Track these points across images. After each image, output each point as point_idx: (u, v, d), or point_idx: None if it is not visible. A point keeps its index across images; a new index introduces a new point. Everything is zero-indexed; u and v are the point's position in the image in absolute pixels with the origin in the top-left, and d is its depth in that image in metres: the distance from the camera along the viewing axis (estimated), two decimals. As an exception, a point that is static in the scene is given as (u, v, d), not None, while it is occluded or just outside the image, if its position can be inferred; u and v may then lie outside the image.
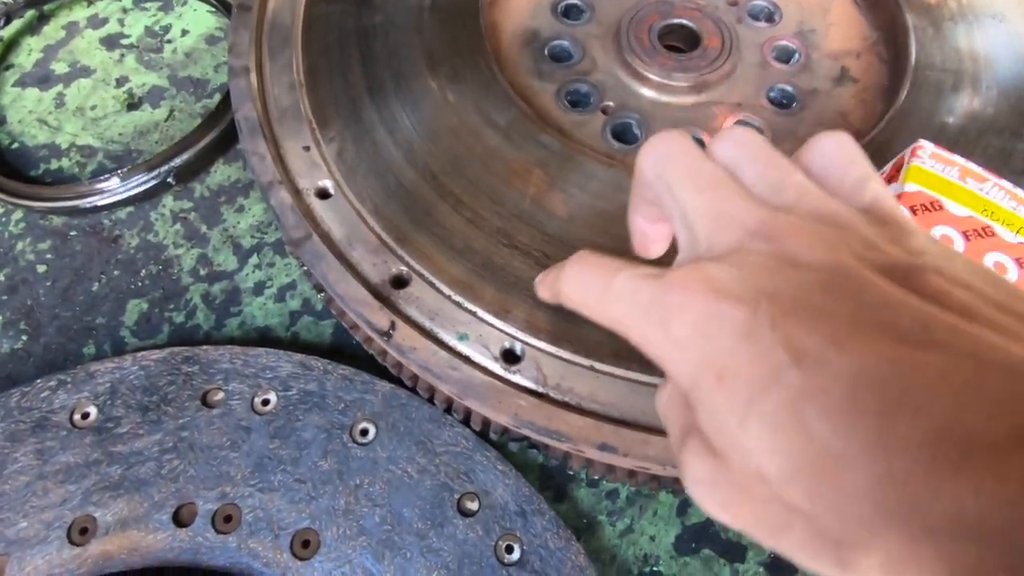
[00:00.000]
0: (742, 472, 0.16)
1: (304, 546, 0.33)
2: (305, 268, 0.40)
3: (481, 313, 0.33)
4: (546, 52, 0.46)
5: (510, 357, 0.32)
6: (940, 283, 0.16)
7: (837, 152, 0.20)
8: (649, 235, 0.24)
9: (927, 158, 0.32)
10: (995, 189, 0.31)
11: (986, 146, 0.37)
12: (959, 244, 0.29)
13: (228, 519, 0.34)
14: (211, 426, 0.36)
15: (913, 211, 0.30)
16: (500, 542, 0.33)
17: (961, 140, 0.38)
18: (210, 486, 0.35)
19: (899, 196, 0.31)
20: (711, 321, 0.17)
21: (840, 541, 0.15)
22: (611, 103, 0.45)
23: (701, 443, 0.17)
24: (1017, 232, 0.30)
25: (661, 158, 0.20)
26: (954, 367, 0.14)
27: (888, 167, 0.35)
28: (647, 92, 0.44)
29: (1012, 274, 0.29)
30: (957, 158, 0.32)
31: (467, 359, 0.31)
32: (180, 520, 0.34)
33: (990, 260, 0.29)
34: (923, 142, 0.32)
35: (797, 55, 0.46)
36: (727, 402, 0.16)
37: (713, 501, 0.17)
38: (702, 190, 0.19)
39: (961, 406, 0.14)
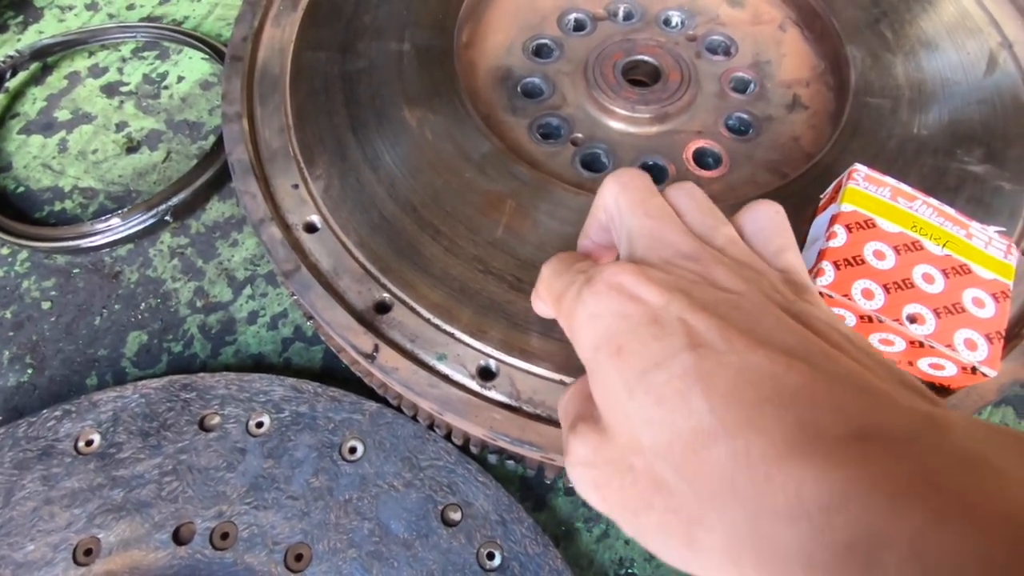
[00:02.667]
0: (622, 445, 0.18)
1: (297, 559, 0.35)
2: (295, 297, 0.42)
3: (458, 334, 0.35)
4: (519, 89, 0.49)
5: (486, 374, 0.34)
6: (823, 327, 0.19)
7: (768, 221, 0.24)
8: (594, 258, 0.27)
9: (862, 180, 0.35)
10: (923, 207, 0.34)
11: (922, 165, 0.40)
12: (891, 258, 0.32)
13: (225, 536, 0.36)
14: (208, 449, 0.38)
15: (849, 229, 0.33)
16: (482, 549, 0.35)
17: (899, 160, 0.41)
18: (208, 505, 0.37)
19: (837, 215, 0.34)
20: (627, 302, 0.19)
21: (691, 519, 0.16)
22: (580, 135, 0.48)
23: (589, 425, 0.19)
24: (943, 245, 0.33)
25: (622, 187, 0.24)
26: (820, 379, 0.17)
27: (830, 189, 0.38)
28: (614, 124, 0.48)
29: (939, 283, 0.32)
30: (889, 179, 0.35)
31: (445, 377, 0.34)
32: (179, 539, 0.36)
33: (919, 272, 0.32)
34: (858, 166, 0.35)
35: (752, 85, 0.50)
36: (620, 373, 0.18)
37: (588, 481, 0.19)
38: (649, 216, 0.23)
39: (819, 409, 0.16)
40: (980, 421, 0.16)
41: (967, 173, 0.40)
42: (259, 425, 0.39)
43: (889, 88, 0.44)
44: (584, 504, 0.39)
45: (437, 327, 0.35)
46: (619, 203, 0.23)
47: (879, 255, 0.32)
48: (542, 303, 0.25)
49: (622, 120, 0.47)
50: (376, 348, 0.34)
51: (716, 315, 0.18)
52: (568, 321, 0.21)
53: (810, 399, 0.16)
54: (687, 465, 0.16)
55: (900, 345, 0.31)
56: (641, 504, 0.18)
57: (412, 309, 0.36)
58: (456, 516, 0.36)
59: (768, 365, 0.17)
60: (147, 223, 0.49)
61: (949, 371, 0.31)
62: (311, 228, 0.39)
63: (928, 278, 0.32)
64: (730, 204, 0.40)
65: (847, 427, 0.15)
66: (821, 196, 0.39)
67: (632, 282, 0.19)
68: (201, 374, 0.41)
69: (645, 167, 0.45)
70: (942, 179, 0.40)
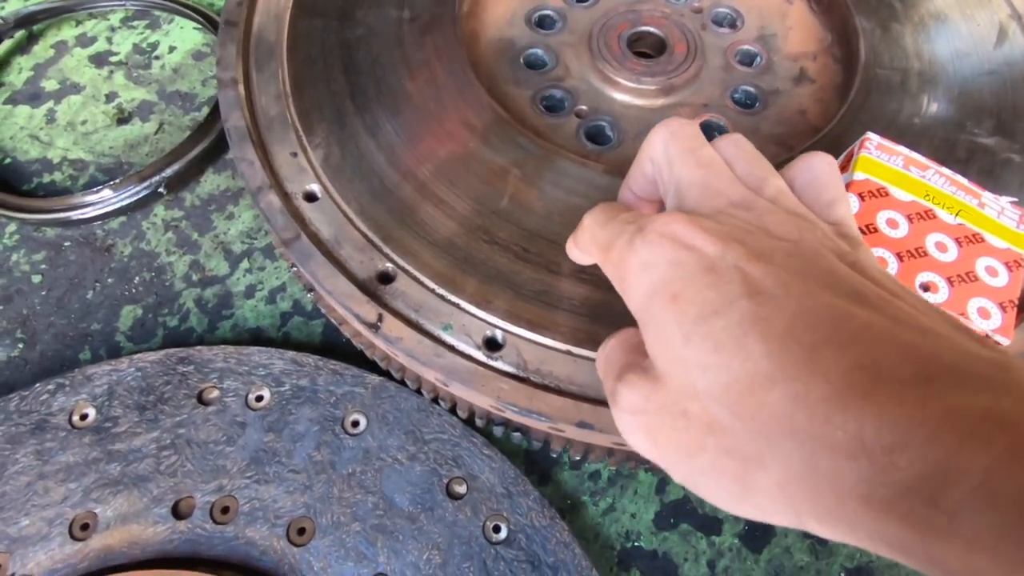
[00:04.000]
0: (675, 390, 0.18)
1: (300, 533, 0.35)
2: (295, 269, 0.41)
3: (464, 304, 0.34)
4: (521, 60, 0.48)
5: (492, 345, 0.33)
6: (878, 275, 0.19)
7: (820, 172, 0.23)
8: (635, 208, 0.26)
9: (874, 149, 0.34)
10: (936, 176, 0.33)
11: (932, 137, 0.40)
12: (904, 227, 0.32)
13: (225, 510, 0.35)
14: (207, 423, 0.37)
15: (861, 197, 0.32)
16: (488, 522, 0.35)
17: (909, 132, 0.40)
18: (207, 479, 0.36)
19: (849, 184, 0.33)
20: (682, 251, 0.18)
21: (746, 458, 0.16)
22: (584, 107, 0.47)
23: (638, 372, 0.19)
24: (956, 214, 0.32)
25: (671, 136, 0.23)
26: (877, 321, 0.17)
27: (841, 158, 0.37)
28: (618, 96, 0.47)
29: (952, 252, 0.31)
30: (901, 148, 0.34)
31: (451, 347, 0.33)
32: (179, 513, 0.35)
33: (932, 241, 0.31)
34: (870, 134, 0.35)
35: (759, 58, 0.49)
36: (676, 319, 0.18)
37: (639, 427, 0.19)
38: (700, 166, 0.22)
39: (878, 350, 0.16)
40: None
41: (977, 145, 0.40)
42: (259, 399, 0.38)
43: (898, 60, 0.44)
44: (590, 478, 0.39)
45: (442, 297, 0.35)
46: (668, 152, 0.23)
47: (892, 224, 0.32)
48: (580, 251, 0.24)
49: (627, 92, 0.46)
50: (380, 318, 0.33)
51: (772, 263, 0.18)
52: (618, 270, 0.20)
53: (870, 341, 0.16)
54: (744, 407, 0.16)
55: (912, 314, 0.31)
56: (695, 446, 0.18)
57: (416, 279, 0.35)
58: (461, 489, 0.36)
59: (826, 308, 0.17)
60: (140, 195, 0.47)
61: (961, 340, 0.31)
62: (311, 197, 0.38)
63: (941, 247, 0.31)
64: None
65: (909, 369, 0.15)
66: (831, 167, 0.38)
67: (686, 231, 0.19)
68: (198, 347, 0.40)
69: (651, 139, 0.45)
70: (952, 151, 0.39)
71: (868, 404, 0.15)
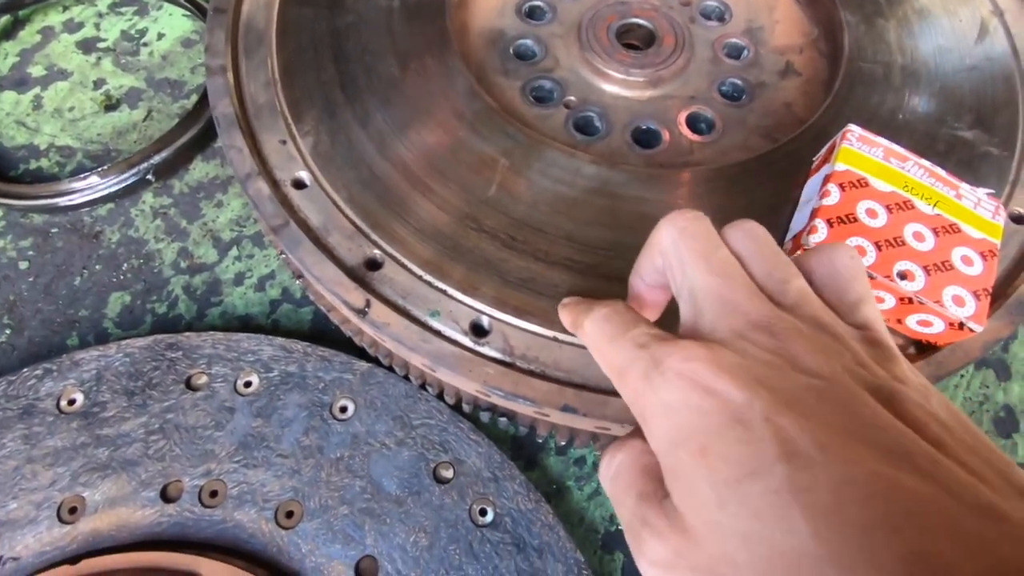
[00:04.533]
0: (710, 553, 0.16)
1: (288, 516, 0.35)
2: (284, 257, 0.42)
3: (451, 291, 0.35)
4: (511, 51, 0.48)
5: (479, 331, 0.34)
6: (920, 413, 0.17)
7: (841, 267, 0.21)
8: (646, 300, 0.25)
9: (855, 140, 0.35)
10: (915, 167, 0.34)
11: (912, 130, 0.41)
12: (883, 216, 0.32)
13: (214, 494, 0.36)
14: (195, 408, 0.38)
15: (842, 187, 0.33)
16: (474, 506, 0.36)
17: (891, 125, 0.41)
18: (196, 464, 0.36)
19: (831, 175, 0.34)
20: (705, 396, 0.17)
21: None
22: (573, 98, 0.47)
23: (662, 518, 0.17)
24: (934, 205, 0.33)
25: (680, 233, 0.21)
26: (932, 497, 0.15)
27: (823, 151, 0.38)
28: (607, 87, 0.47)
29: (929, 242, 0.32)
30: (882, 140, 0.35)
31: (438, 333, 0.34)
32: (167, 496, 0.36)
33: (910, 230, 0.32)
34: (852, 126, 0.35)
35: (746, 51, 0.49)
36: (709, 478, 0.16)
37: None
38: (714, 273, 0.20)
39: (938, 537, 0.14)
40: None
41: (957, 139, 0.40)
42: (247, 384, 0.39)
43: (882, 54, 0.44)
44: (576, 464, 0.40)
45: (429, 284, 0.35)
46: (679, 252, 0.21)
47: (871, 213, 0.32)
48: (583, 336, 0.23)
49: (616, 83, 0.47)
50: (368, 304, 0.34)
51: (804, 411, 0.17)
52: (637, 404, 0.19)
53: (926, 524, 0.15)
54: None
55: (890, 302, 0.32)
56: None
57: (403, 266, 0.35)
58: (448, 474, 0.36)
59: (871, 479, 0.15)
60: (128, 182, 0.47)
61: (937, 327, 0.32)
62: (300, 184, 0.38)
63: (919, 236, 0.32)
64: (722, 167, 0.41)
65: (977, 567, 0.14)
66: (814, 159, 0.39)
67: (706, 374, 0.17)
68: (187, 333, 0.40)
69: (638, 131, 0.45)
70: (932, 144, 0.40)
71: None
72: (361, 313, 0.34)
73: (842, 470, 0.15)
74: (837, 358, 0.18)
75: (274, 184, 0.38)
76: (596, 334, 0.22)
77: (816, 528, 0.15)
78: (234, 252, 0.47)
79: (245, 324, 0.44)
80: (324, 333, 0.44)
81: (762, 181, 0.39)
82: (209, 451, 0.36)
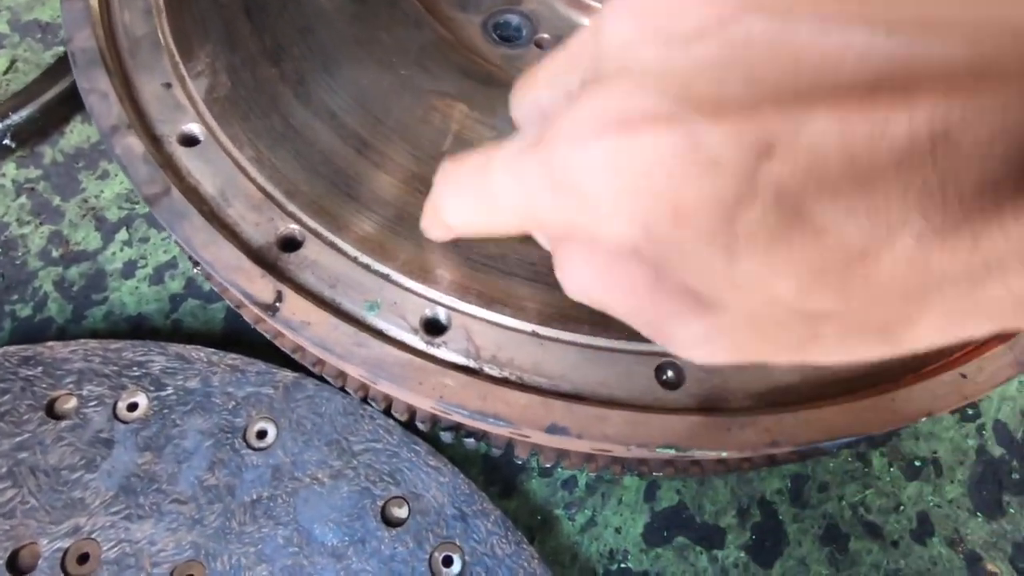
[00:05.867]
0: (746, 309, 0.14)
1: (186, 584, 0.26)
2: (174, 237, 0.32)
3: (395, 276, 0.26)
4: (467, -23, 0.39)
5: (433, 327, 0.25)
6: None
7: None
8: None
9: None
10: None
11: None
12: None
13: (84, 559, 0.27)
14: (59, 442, 0.28)
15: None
16: (436, 553, 0.27)
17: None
18: (57, 520, 0.27)
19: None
20: (631, 158, 0.14)
21: (885, 323, 0.14)
22: (546, 35, 0.39)
23: (681, 303, 0.15)
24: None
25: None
26: None
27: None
28: (587, 22, 0.39)
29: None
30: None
31: (378, 332, 0.25)
32: (18, 566, 0.26)
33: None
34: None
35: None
36: (700, 240, 0.14)
37: (722, 354, 0.16)
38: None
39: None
40: None
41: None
42: (132, 407, 0.29)
43: None
44: (565, 486, 0.32)
45: (366, 267, 0.26)
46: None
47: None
48: (459, 230, 0.21)
49: (596, 16, 0.38)
50: (279, 296, 0.25)
51: (741, 89, 0.13)
52: (558, 225, 0.17)
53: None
54: (854, 289, 0.13)
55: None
56: (805, 337, 0.15)
57: (331, 244, 0.27)
58: (402, 513, 0.28)
59: (861, 124, 0.13)
60: (-22, 149, 0.37)
61: None
62: (190, 140, 0.29)
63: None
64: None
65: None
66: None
67: (614, 132, 0.15)
68: (49, 343, 0.30)
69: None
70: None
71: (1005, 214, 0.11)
72: (270, 309, 0.25)
73: (829, 127, 0.13)
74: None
75: (154, 140, 0.29)
76: (467, 215, 0.19)
77: (845, 208, 0.13)
78: (123, 236, 0.37)
79: (137, 327, 0.35)
80: (242, 335, 0.35)
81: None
82: (77, 500, 0.27)
